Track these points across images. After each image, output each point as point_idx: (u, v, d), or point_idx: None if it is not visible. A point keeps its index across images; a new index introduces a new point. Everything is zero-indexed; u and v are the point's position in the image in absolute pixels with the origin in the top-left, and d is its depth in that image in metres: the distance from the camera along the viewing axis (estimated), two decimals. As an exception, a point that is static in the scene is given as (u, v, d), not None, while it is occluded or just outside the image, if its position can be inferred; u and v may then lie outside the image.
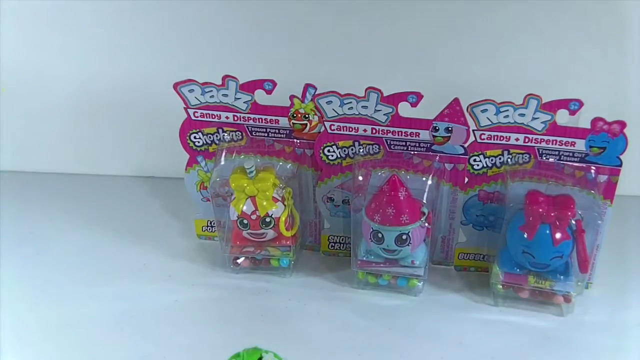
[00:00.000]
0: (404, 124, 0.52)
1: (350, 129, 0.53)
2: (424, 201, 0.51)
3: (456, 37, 0.63)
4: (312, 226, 0.61)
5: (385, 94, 0.51)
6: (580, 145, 0.49)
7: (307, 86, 0.53)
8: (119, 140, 0.76)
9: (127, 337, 0.49)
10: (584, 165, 0.50)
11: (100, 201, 0.72)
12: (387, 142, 0.53)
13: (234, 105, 0.56)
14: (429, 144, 0.52)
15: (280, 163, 0.57)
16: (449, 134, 0.51)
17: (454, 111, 0.50)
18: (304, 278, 0.57)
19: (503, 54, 0.63)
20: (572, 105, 0.48)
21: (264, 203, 0.53)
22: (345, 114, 0.52)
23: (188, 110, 0.56)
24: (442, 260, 0.59)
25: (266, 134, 0.57)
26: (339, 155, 0.55)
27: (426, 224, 0.51)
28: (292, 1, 0.63)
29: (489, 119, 0.50)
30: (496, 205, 0.54)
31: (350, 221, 0.54)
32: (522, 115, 0.49)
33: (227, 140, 0.58)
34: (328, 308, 0.53)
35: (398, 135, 0.52)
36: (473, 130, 0.51)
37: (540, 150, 0.50)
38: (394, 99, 0.51)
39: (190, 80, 0.55)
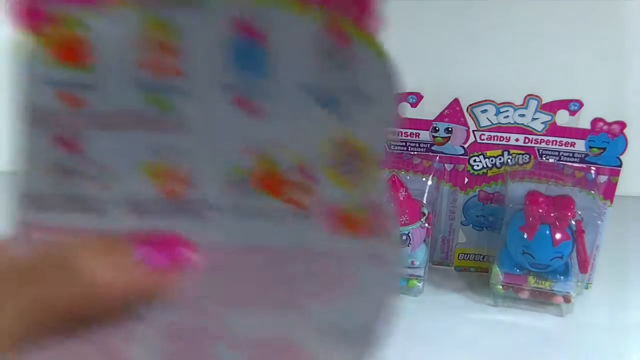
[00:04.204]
0: (404, 125, 0.52)
1: (350, 130, 0.53)
2: (424, 202, 0.51)
3: (456, 37, 0.63)
4: (312, 226, 0.61)
5: (385, 95, 0.50)
6: (580, 145, 0.49)
7: (307, 86, 0.53)
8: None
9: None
10: (583, 165, 0.50)
11: (100, 201, 0.72)
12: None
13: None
14: (428, 145, 0.52)
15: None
16: (449, 135, 0.51)
17: (453, 112, 0.50)
18: (304, 278, 0.57)
19: (503, 54, 0.63)
20: (572, 105, 0.48)
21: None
22: (345, 114, 0.52)
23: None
24: (442, 260, 0.59)
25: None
26: (339, 156, 0.55)
27: (426, 225, 0.51)
28: (292, 1, 0.63)
29: (488, 119, 0.50)
30: (496, 205, 0.54)
31: (350, 221, 0.54)
32: (522, 115, 0.49)
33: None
34: (328, 308, 0.53)
35: (398, 135, 0.52)
36: (473, 131, 0.51)
37: (540, 150, 0.50)
38: (394, 100, 0.51)
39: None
